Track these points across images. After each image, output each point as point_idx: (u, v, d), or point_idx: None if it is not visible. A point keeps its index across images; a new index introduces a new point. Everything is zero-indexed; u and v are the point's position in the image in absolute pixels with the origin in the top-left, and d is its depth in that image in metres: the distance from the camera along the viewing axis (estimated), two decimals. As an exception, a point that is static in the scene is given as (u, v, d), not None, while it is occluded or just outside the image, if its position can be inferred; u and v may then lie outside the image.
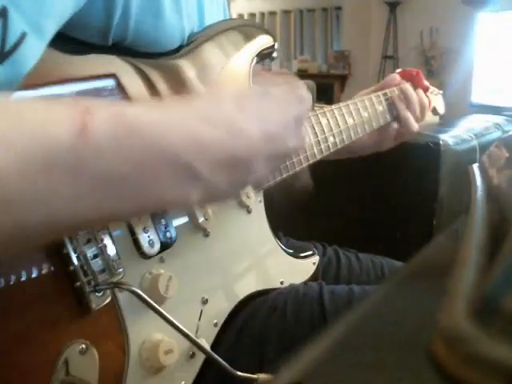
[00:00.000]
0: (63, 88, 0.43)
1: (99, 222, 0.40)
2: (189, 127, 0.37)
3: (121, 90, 0.47)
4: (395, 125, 0.80)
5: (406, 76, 0.85)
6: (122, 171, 0.32)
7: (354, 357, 0.20)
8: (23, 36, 0.34)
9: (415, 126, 0.80)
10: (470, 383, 0.17)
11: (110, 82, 0.47)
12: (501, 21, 3.64)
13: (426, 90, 0.86)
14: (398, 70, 0.88)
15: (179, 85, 0.54)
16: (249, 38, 0.62)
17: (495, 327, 0.17)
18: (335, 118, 0.68)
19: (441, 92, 0.97)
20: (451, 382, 0.17)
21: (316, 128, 0.64)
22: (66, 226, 0.32)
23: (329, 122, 0.67)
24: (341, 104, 0.70)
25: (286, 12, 6.20)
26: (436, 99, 0.94)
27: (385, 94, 0.79)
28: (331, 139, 0.67)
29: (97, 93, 0.46)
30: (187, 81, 0.54)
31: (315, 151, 0.64)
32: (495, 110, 1.42)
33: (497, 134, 1.28)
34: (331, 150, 0.67)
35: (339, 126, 0.68)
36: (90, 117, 0.31)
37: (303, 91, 0.46)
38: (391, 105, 0.79)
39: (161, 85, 0.51)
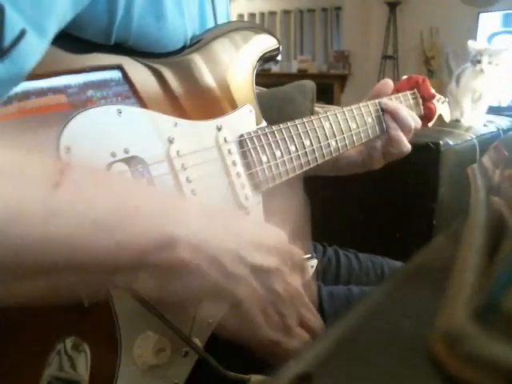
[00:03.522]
0: (69, 78, 0.43)
1: (71, 270, 0.36)
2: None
3: (127, 81, 0.47)
4: (380, 143, 0.75)
5: (411, 83, 0.83)
6: (95, 220, 0.33)
7: (353, 357, 0.20)
8: (23, 33, 0.35)
9: (408, 148, 0.75)
10: (470, 383, 0.17)
11: (116, 74, 0.47)
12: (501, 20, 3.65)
13: (432, 97, 0.84)
14: (404, 77, 0.86)
15: (190, 78, 0.54)
16: (256, 35, 0.63)
17: (495, 327, 0.17)
18: (338, 122, 0.68)
19: (447, 100, 0.96)
20: (451, 381, 0.17)
21: (318, 132, 0.64)
22: (34, 270, 0.32)
23: (331, 127, 0.66)
24: (344, 108, 0.70)
25: (286, 12, 6.20)
26: (442, 107, 0.93)
27: (374, 105, 0.74)
28: (333, 144, 0.66)
29: (103, 84, 0.46)
30: (198, 74, 0.55)
31: (317, 156, 0.64)
32: (495, 110, 1.42)
33: (497, 134, 1.28)
34: (333, 155, 0.66)
35: (342, 132, 0.68)
36: (67, 169, 0.33)
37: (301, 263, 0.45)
38: (380, 117, 0.74)
39: (170, 78, 0.51)
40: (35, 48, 0.37)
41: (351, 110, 0.70)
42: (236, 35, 0.60)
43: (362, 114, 0.72)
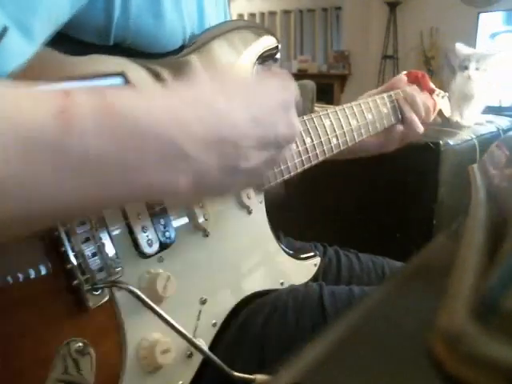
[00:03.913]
0: (70, 85, 0.43)
1: (84, 210, 0.37)
2: (172, 108, 0.36)
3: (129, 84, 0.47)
4: (401, 127, 0.79)
5: (411, 78, 0.85)
6: (104, 153, 0.32)
7: (353, 357, 0.20)
8: (4, 30, 0.34)
9: (421, 128, 0.80)
10: (470, 383, 0.17)
11: (117, 81, 0.47)
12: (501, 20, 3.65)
13: (431, 92, 0.85)
14: (404, 72, 0.87)
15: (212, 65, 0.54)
16: (256, 37, 0.62)
17: (495, 327, 0.17)
18: (338, 119, 0.68)
19: (447, 94, 0.97)
20: (451, 381, 0.17)
21: (319, 129, 0.64)
22: (48, 212, 0.32)
23: (332, 124, 0.66)
24: (344, 105, 0.70)
25: (286, 12, 6.20)
26: (442, 101, 0.94)
27: (389, 96, 0.78)
28: (334, 141, 0.66)
29: None
30: (218, 59, 0.55)
31: (317, 152, 0.64)
32: (495, 110, 1.42)
33: (497, 134, 1.28)
34: (334, 152, 0.67)
35: (342, 128, 0.68)
36: (70, 98, 0.31)
37: (289, 81, 0.44)
38: (396, 107, 0.79)
39: (168, 80, 0.51)
40: (19, 48, 0.35)
41: (355, 105, 0.72)
42: (235, 35, 0.60)
43: (378, 105, 0.75)
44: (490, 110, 1.31)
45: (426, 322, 0.19)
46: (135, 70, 0.48)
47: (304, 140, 0.62)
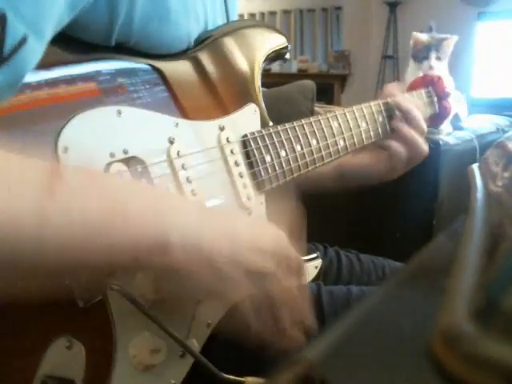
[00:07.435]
0: (102, 65, 0.44)
1: (66, 272, 0.38)
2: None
3: (156, 70, 0.49)
4: (401, 148, 0.70)
5: (426, 81, 0.83)
6: (88, 213, 0.32)
7: (352, 357, 0.20)
8: (24, 40, 0.35)
9: (426, 149, 0.71)
10: (470, 383, 0.17)
11: (145, 66, 0.48)
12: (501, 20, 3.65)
13: (446, 96, 0.83)
14: (420, 75, 0.85)
15: (223, 60, 0.55)
16: (268, 33, 0.64)
17: (495, 327, 0.17)
18: (347, 121, 0.67)
19: (463, 97, 0.94)
20: (451, 381, 0.17)
21: (325, 131, 0.64)
22: (30, 272, 0.33)
23: (340, 126, 0.66)
24: (354, 107, 0.69)
25: (286, 12, 6.20)
26: (459, 105, 0.92)
27: (383, 106, 0.73)
28: (341, 143, 0.66)
29: (133, 72, 0.47)
30: (230, 55, 0.56)
31: (323, 154, 0.63)
32: (496, 109, 1.42)
33: (497, 134, 1.28)
34: (341, 154, 0.66)
35: (350, 130, 0.67)
36: (60, 172, 0.33)
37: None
38: (386, 121, 0.73)
39: (206, 62, 0.53)
40: (35, 54, 0.36)
41: (361, 108, 0.70)
42: (269, 27, 0.62)
43: (372, 112, 0.72)
44: (489, 109, 1.30)
45: (426, 322, 0.19)
46: (163, 59, 0.49)
47: (309, 142, 0.61)
